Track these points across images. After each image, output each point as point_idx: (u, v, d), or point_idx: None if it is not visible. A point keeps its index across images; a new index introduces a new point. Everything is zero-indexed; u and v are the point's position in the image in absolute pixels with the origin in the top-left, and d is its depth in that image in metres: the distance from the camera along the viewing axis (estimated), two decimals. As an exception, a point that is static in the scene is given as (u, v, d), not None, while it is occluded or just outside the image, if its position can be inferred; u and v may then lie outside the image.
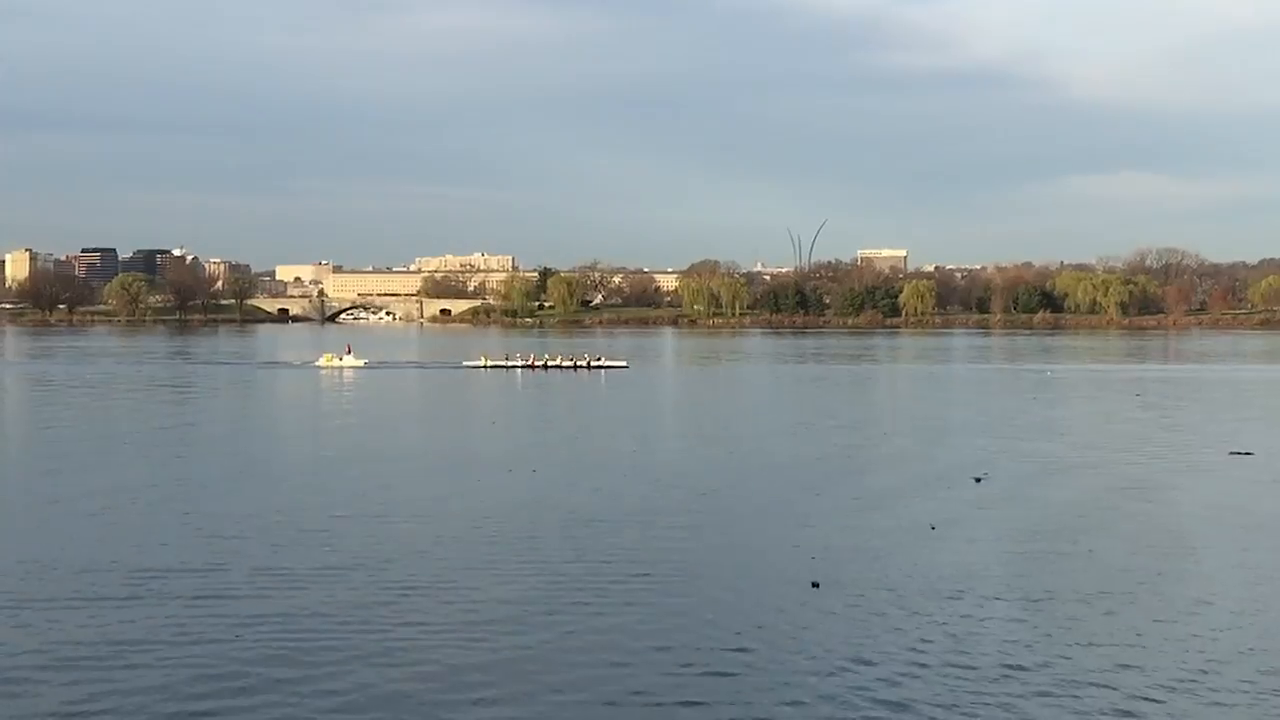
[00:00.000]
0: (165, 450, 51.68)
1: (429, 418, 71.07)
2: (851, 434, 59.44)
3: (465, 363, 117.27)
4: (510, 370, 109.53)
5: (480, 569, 28.84)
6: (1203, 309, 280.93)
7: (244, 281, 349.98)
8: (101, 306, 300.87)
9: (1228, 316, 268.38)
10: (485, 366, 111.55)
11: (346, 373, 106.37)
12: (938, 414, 70.42)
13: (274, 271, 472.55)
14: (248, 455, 50.79)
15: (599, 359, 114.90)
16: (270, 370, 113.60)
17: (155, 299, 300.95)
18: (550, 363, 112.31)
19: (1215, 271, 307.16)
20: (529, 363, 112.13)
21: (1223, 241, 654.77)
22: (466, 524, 34.35)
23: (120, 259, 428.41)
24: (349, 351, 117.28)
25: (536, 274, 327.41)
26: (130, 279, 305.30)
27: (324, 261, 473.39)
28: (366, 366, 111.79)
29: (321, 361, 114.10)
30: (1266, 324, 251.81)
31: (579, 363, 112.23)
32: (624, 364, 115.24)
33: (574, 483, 42.39)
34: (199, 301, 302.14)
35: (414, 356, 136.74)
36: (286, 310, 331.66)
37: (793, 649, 22.73)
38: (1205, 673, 21.30)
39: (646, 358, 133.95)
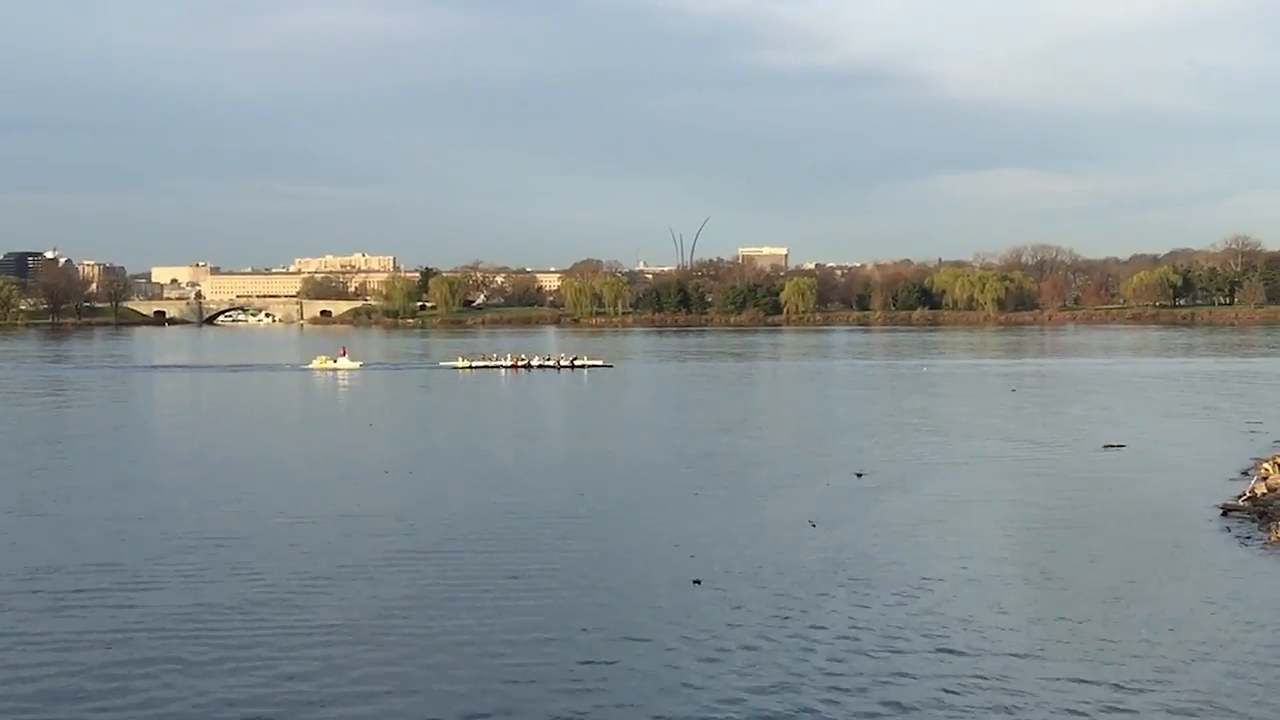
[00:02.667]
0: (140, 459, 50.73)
1: (417, 419, 70.57)
2: (734, 432, 59.68)
3: (442, 363, 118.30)
4: (494, 371, 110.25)
5: (365, 567, 28.51)
6: (1077, 304, 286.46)
7: (119, 284, 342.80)
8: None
9: (1101, 311, 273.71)
10: (469, 367, 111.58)
11: (341, 375, 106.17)
12: (819, 411, 70.97)
13: (150, 274, 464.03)
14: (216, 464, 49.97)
15: (578, 359, 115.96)
16: (249, 374, 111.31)
17: (27, 303, 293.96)
18: (533, 363, 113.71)
19: (1088, 267, 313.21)
20: (512, 363, 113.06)
21: (1095, 238, 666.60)
22: (354, 526, 34.03)
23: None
24: (343, 354, 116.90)
25: (418, 274, 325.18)
26: (0, 282, 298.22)
27: (201, 263, 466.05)
28: (363, 368, 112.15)
29: (315, 364, 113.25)
30: (1137, 318, 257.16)
31: (561, 362, 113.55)
32: (602, 363, 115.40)
33: (465, 483, 42.16)
34: (72, 305, 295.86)
35: (392, 359, 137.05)
36: (163, 313, 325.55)
37: (674, 642, 22.78)
38: (1080, 646, 21.67)
39: (625, 357, 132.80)
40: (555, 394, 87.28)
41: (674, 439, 56.58)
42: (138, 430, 64.84)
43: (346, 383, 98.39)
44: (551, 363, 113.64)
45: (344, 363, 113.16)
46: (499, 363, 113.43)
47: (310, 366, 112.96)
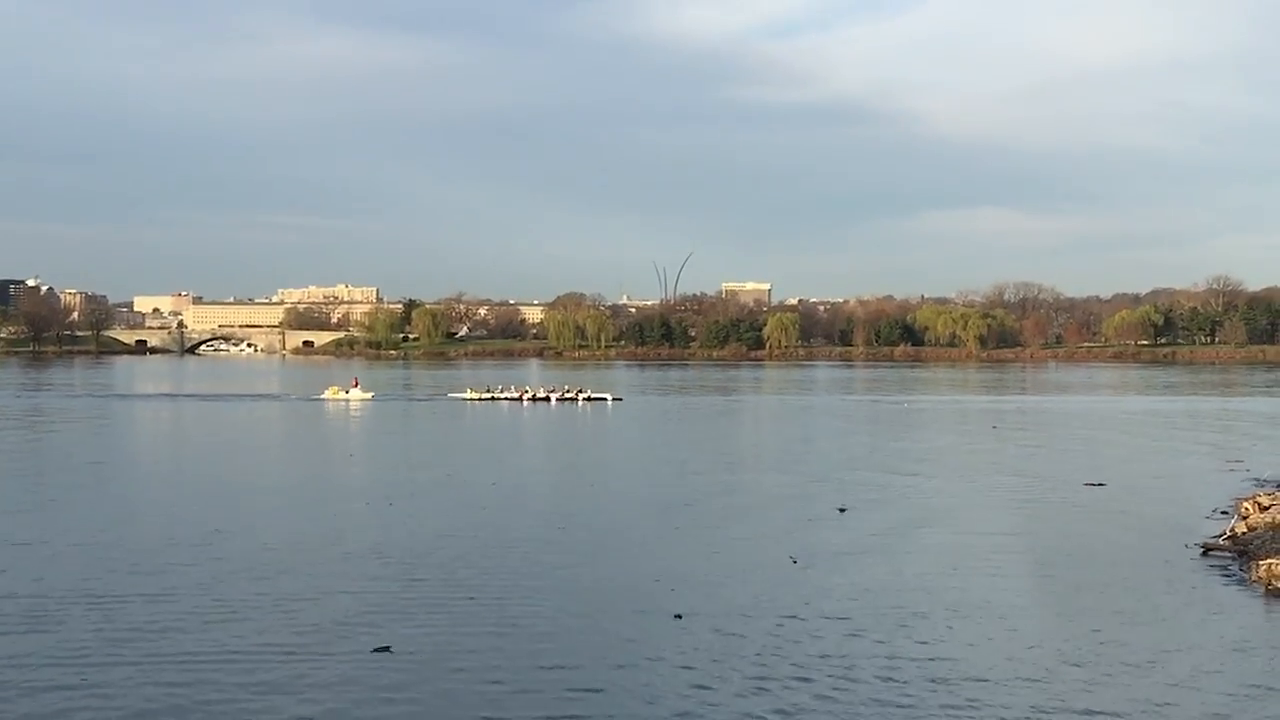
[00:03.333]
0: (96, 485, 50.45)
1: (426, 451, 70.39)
2: (716, 466, 59.61)
3: (450, 394, 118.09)
4: (499, 402, 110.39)
5: (350, 596, 28.37)
6: (1059, 342, 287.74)
7: (100, 312, 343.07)
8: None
9: (1082, 349, 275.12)
10: (477, 398, 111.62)
11: (353, 405, 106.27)
12: (801, 446, 70.91)
13: (132, 303, 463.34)
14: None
15: (583, 390, 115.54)
16: (254, 404, 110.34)
17: (8, 330, 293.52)
18: (540, 394, 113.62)
19: (1070, 306, 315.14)
20: (518, 395, 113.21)
21: (1078, 277, 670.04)
22: (336, 556, 33.85)
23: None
24: (356, 384, 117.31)
25: (401, 306, 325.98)
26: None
27: (184, 292, 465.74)
28: (375, 399, 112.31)
29: (327, 394, 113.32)
30: (1119, 357, 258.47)
31: (567, 394, 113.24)
32: (607, 396, 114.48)
33: (444, 514, 42.00)
34: (53, 333, 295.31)
35: (399, 389, 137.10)
36: (145, 342, 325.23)
37: (657, 675, 22.72)
38: (1066, 688, 21.63)
39: (614, 389, 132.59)
40: (556, 426, 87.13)
41: (660, 472, 56.53)
42: (139, 461, 64.10)
43: (360, 413, 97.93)
44: (557, 395, 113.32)
45: (356, 393, 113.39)
46: (505, 394, 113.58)
47: (323, 397, 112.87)
